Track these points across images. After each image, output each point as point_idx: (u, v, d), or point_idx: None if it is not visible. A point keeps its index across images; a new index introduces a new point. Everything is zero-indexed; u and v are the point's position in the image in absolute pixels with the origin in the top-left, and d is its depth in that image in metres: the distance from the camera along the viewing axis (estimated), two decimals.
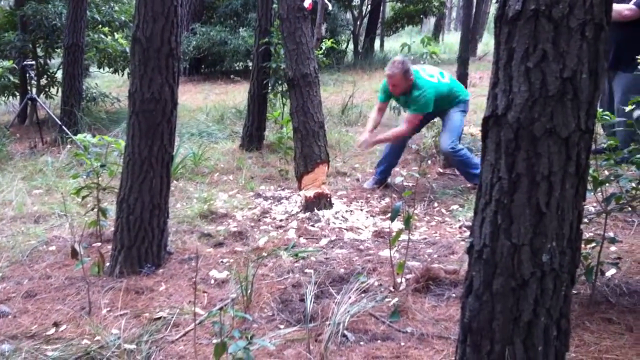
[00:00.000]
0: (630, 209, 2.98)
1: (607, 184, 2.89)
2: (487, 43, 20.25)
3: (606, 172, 2.95)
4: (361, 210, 4.91)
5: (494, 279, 1.90)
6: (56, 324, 3.01)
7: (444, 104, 5.26)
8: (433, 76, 5.25)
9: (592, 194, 2.84)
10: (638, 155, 2.83)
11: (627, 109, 3.08)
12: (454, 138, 5.17)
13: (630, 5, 5.05)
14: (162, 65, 3.54)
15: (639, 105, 3.00)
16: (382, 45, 20.73)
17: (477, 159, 5.02)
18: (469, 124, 7.19)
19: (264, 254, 3.88)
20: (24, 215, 4.83)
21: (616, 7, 5.13)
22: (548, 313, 1.88)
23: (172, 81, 3.59)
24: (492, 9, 25.83)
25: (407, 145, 5.75)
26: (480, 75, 12.66)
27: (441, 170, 6.02)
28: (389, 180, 5.56)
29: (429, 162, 6.26)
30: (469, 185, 5.33)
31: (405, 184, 5.57)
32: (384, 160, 5.57)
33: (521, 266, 1.85)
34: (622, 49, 5.10)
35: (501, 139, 1.86)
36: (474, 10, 14.97)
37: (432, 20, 23.60)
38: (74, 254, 3.35)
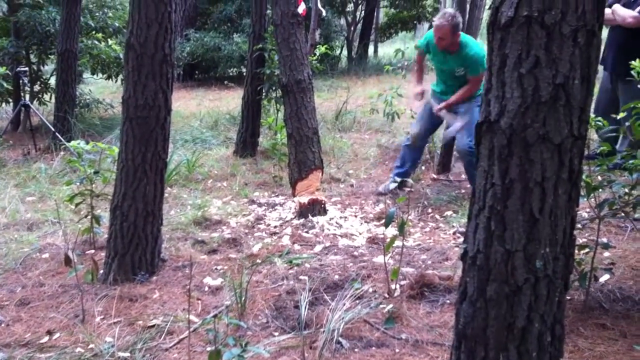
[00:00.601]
0: (623, 214, 2.99)
1: (600, 190, 2.90)
2: None
3: (599, 178, 2.96)
4: (355, 216, 4.91)
5: (487, 285, 1.90)
6: (49, 332, 3.00)
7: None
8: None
9: (586, 199, 2.85)
10: (631, 161, 2.84)
11: (620, 116, 3.10)
12: (473, 137, 5.03)
13: (635, 13, 5.04)
14: (156, 72, 3.53)
15: (629, 111, 3.01)
16: (375, 50, 20.75)
17: None
18: None
19: (258, 260, 3.88)
20: (17, 223, 4.81)
21: (621, 11, 5.13)
22: (542, 319, 1.88)
23: (165, 87, 3.59)
24: (485, 15, 25.92)
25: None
26: None
27: (435, 176, 6.03)
28: (381, 189, 5.56)
29: (423, 167, 6.27)
30: (462, 191, 5.33)
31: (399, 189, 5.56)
32: (407, 162, 5.48)
33: (515, 272, 1.85)
34: (623, 54, 5.00)
35: (494, 145, 1.86)
36: (467, 16, 14.99)
37: (425, 25, 23.62)
38: (68, 261, 3.34)
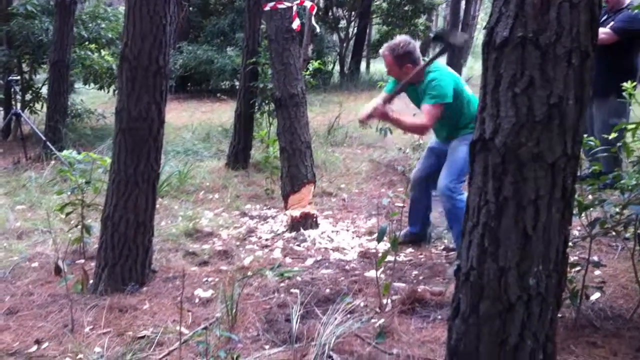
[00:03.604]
0: (614, 233, 3.01)
1: (591, 209, 2.92)
2: (471, 67, 20.47)
3: (590, 197, 2.98)
4: (347, 230, 4.91)
5: (480, 302, 1.91)
6: (38, 342, 2.97)
7: (455, 123, 4.12)
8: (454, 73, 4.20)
9: (577, 218, 2.87)
10: (622, 181, 2.87)
11: (612, 136, 3.13)
12: (454, 177, 4.04)
13: (607, 29, 5.08)
14: (150, 84, 3.54)
15: (620, 131, 3.05)
16: (367, 67, 20.89)
17: None
18: None
19: (249, 273, 3.86)
20: (7, 231, 4.78)
21: None
22: (534, 337, 1.89)
23: (159, 99, 3.59)
24: (477, 34, 26.15)
25: (396, 169, 5.57)
26: None
27: None
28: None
29: None
30: None
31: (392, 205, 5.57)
32: (414, 217, 4.56)
33: (508, 289, 1.86)
34: (598, 73, 5.02)
35: (488, 163, 1.88)
36: None
37: (417, 43, 23.82)
38: (57, 271, 3.32)
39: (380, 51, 4.18)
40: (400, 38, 4.19)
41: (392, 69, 4.15)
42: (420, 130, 4.26)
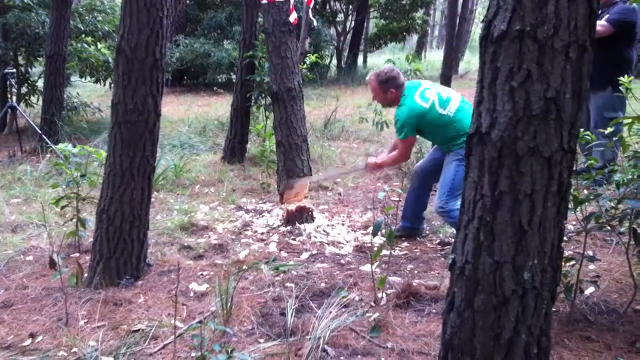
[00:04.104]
0: (609, 228, 3.01)
1: (586, 203, 2.92)
2: (468, 61, 20.48)
3: (586, 191, 2.98)
4: (343, 224, 4.91)
5: (475, 296, 1.90)
6: (32, 335, 2.96)
7: (439, 141, 4.34)
8: (427, 100, 4.17)
9: (572, 212, 2.87)
10: (617, 176, 2.87)
11: (607, 130, 3.13)
12: (445, 197, 4.12)
13: (603, 22, 5.08)
14: (146, 77, 3.52)
15: (617, 125, 3.04)
16: (365, 61, 20.87)
17: None
18: None
19: (245, 267, 3.86)
20: (1, 225, 4.76)
21: None
22: (529, 330, 1.89)
23: (155, 92, 3.58)
24: (474, 28, 26.12)
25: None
26: (462, 93, 12.77)
27: None
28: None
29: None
30: None
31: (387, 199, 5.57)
32: (407, 212, 4.57)
33: (503, 283, 1.86)
34: (593, 66, 5.01)
35: (485, 156, 1.87)
36: (456, 28, 15.13)
37: (414, 37, 23.80)
38: (52, 264, 3.31)
39: (367, 78, 4.48)
40: (385, 66, 4.55)
41: (377, 93, 4.41)
42: (399, 161, 4.73)
